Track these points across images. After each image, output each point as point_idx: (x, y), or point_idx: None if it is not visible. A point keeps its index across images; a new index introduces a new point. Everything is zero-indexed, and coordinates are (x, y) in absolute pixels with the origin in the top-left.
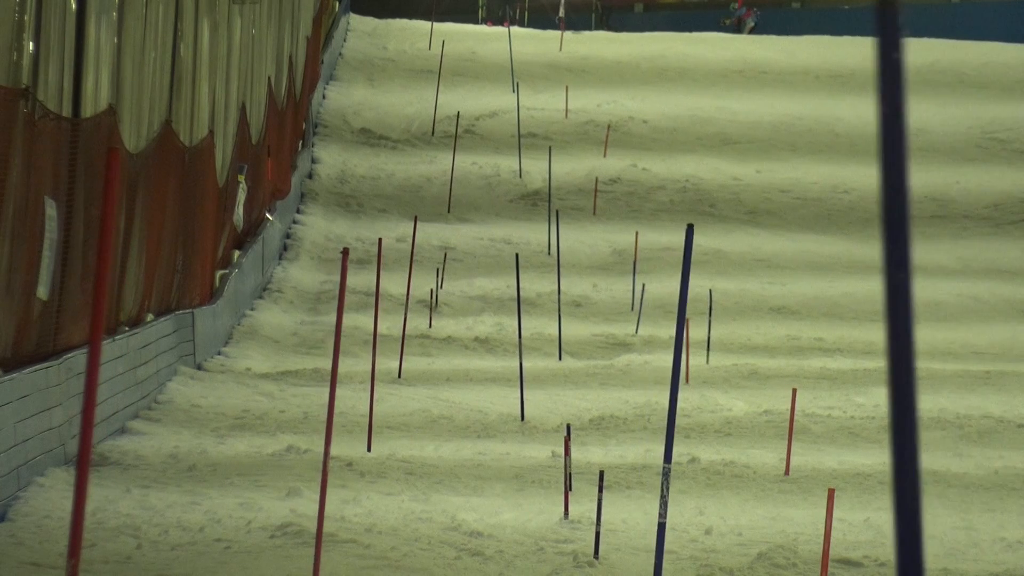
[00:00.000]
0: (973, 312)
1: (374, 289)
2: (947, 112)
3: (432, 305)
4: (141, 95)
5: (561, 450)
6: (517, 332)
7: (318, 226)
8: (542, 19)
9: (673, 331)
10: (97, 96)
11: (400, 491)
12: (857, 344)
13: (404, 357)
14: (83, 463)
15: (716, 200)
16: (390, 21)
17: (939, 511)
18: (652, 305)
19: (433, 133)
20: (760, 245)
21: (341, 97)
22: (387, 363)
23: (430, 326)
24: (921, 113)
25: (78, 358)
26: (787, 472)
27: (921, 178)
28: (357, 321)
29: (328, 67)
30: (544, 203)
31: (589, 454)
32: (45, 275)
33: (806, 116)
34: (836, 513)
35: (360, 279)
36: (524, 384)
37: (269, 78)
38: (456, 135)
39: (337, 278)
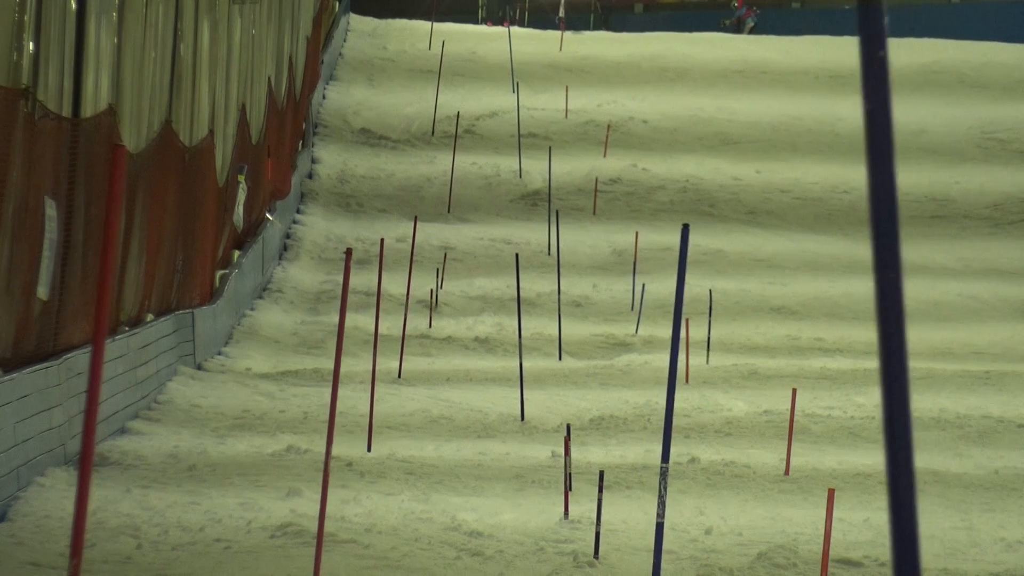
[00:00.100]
0: (973, 312)
1: (374, 289)
2: (947, 112)
3: (432, 305)
4: (141, 95)
5: (561, 450)
6: (517, 332)
7: (318, 226)
8: (542, 19)
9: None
10: (97, 96)
11: (400, 491)
12: (857, 344)
13: (404, 357)
14: (85, 463)
15: (716, 200)
16: (390, 21)
17: (939, 511)
18: (652, 305)
19: (433, 133)
20: (760, 245)
21: (341, 97)
22: (387, 363)
23: (430, 326)
24: (921, 113)
25: (78, 358)
26: (787, 472)
27: (921, 178)
28: (357, 321)
29: (328, 67)
30: (544, 203)
31: (589, 454)
32: (45, 275)
33: (806, 116)
34: (836, 513)
35: (360, 279)
36: (524, 384)
37: (269, 78)
38: (456, 135)
39: (337, 278)
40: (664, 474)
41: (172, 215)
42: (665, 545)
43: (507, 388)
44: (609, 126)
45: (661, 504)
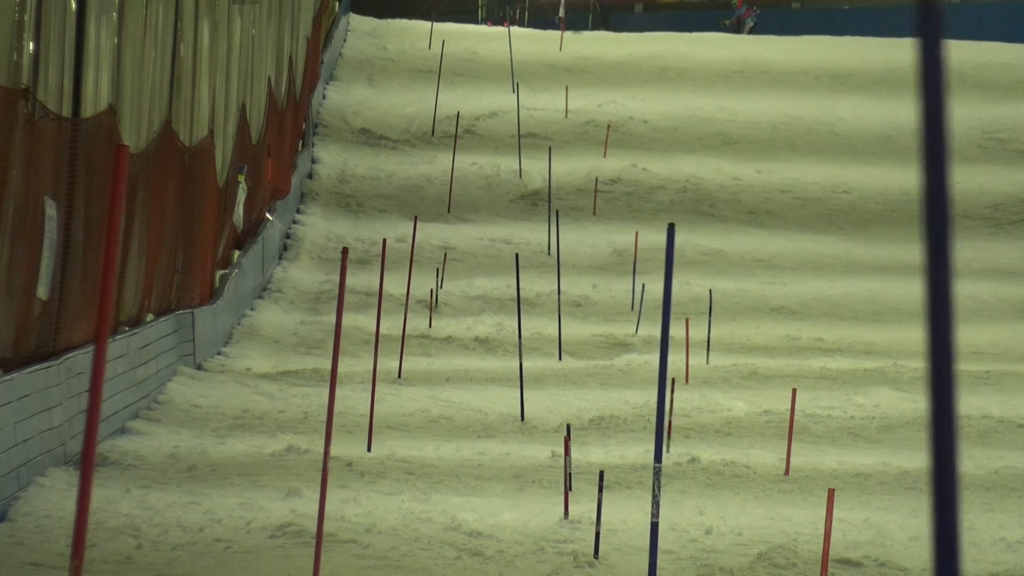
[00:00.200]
0: (973, 312)
1: (374, 289)
2: (948, 112)
3: (432, 305)
4: (141, 95)
5: (561, 450)
6: (517, 332)
7: (318, 226)
8: (542, 19)
9: (673, 331)
10: (97, 96)
11: (400, 491)
12: (857, 344)
13: (404, 357)
14: (87, 465)
15: (716, 200)
16: (390, 21)
17: None
18: (652, 305)
19: (433, 133)
20: (760, 245)
21: (341, 97)
22: (387, 363)
23: (430, 326)
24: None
25: (78, 358)
26: (787, 472)
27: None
28: (357, 321)
29: (328, 67)
30: (544, 203)
31: (589, 454)
32: (45, 275)
33: (806, 116)
34: (836, 513)
35: (360, 279)
36: (524, 384)
37: (269, 78)
38: (456, 135)
39: (337, 278)
40: (657, 474)
41: (172, 215)
42: (665, 545)
43: (507, 388)
44: (609, 126)
45: (655, 504)
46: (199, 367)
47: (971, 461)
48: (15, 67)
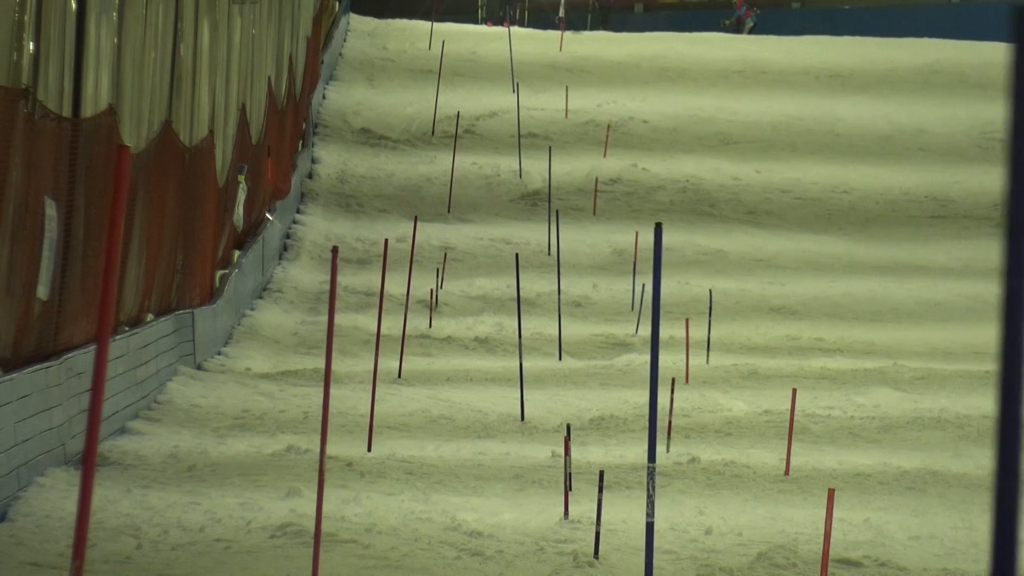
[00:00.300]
0: (973, 312)
1: (374, 289)
2: (947, 112)
3: (432, 305)
4: (141, 95)
5: (561, 450)
6: (517, 332)
7: (318, 226)
8: (542, 19)
9: (673, 331)
10: (97, 96)
11: (400, 491)
12: (857, 344)
13: (404, 357)
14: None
15: (716, 200)
16: (390, 21)
17: (939, 511)
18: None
19: (433, 133)
20: (760, 245)
21: (341, 97)
22: (387, 363)
23: (430, 326)
24: (921, 113)
25: (78, 358)
26: (787, 472)
27: (921, 178)
28: (357, 321)
29: (328, 67)
30: (544, 203)
31: (589, 454)
32: (45, 275)
33: (806, 116)
34: (836, 513)
35: (360, 279)
36: (524, 384)
37: (269, 78)
38: (456, 135)
39: (337, 278)
40: (651, 473)
41: (172, 215)
42: (665, 545)
43: (507, 388)
44: (609, 126)
45: (650, 503)
46: (199, 367)
47: (971, 461)
48: (15, 67)
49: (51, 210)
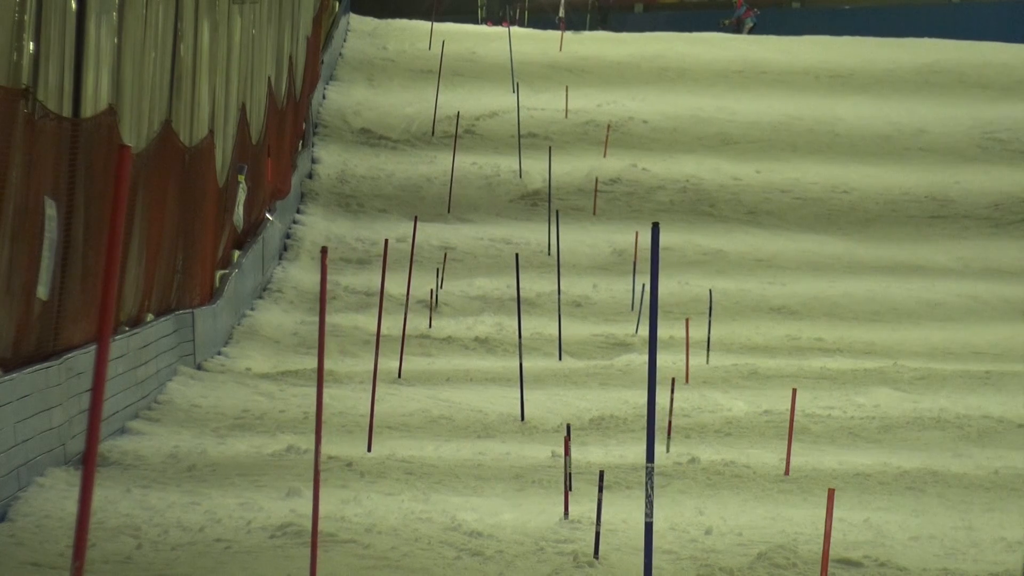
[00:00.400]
0: (973, 312)
1: (374, 289)
2: (947, 112)
3: (432, 305)
4: (141, 95)
5: (561, 450)
6: (517, 332)
7: (318, 226)
8: (542, 19)
9: (673, 331)
10: (97, 96)
11: (400, 491)
12: (857, 344)
13: (404, 357)
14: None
15: (716, 200)
16: (390, 21)
17: (939, 511)
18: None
19: (433, 133)
20: (760, 245)
21: (341, 97)
22: (387, 363)
23: (430, 326)
24: (921, 113)
25: (78, 358)
26: (787, 472)
27: (921, 178)
28: (357, 321)
29: (328, 67)
30: (544, 203)
31: (589, 454)
32: (45, 275)
33: (806, 116)
34: (836, 513)
35: (360, 279)
36: (524, 384)
37: (269, 78)
38: (456, 135)
39: (337, 278)
40: (650, 474)
41: (172, 215)
42: (665, 545)
43: (507, 388)
44: (609, 126)
45: (649, 504)
46: (199, 367)
47: (971, 461)
48: (15, 67)
49: (51, 210)
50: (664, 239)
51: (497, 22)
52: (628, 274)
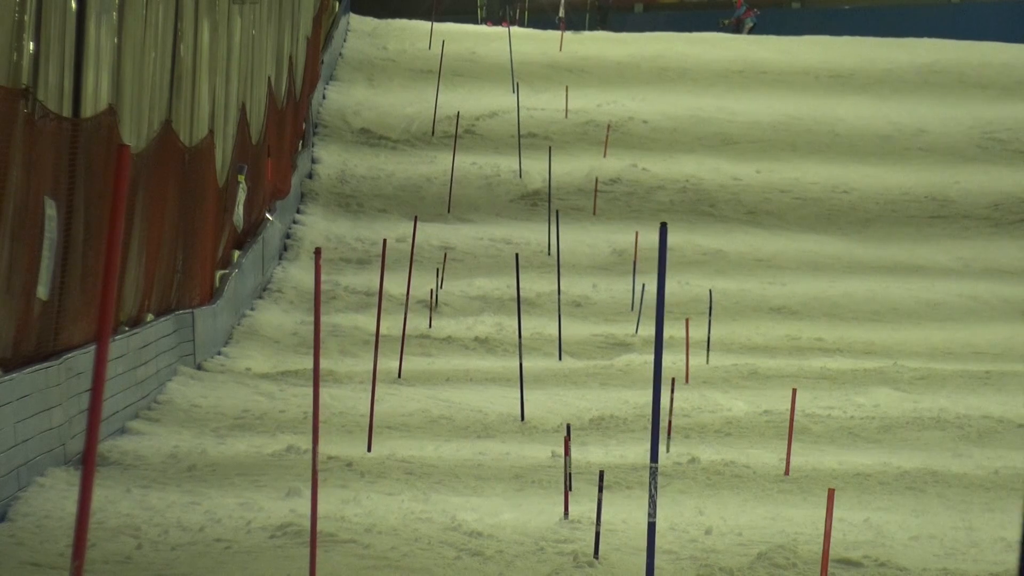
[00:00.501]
0: (973, 312)
1: (374, 289)
2: (947, 112)
3: (432, 305)
4: (141, 95)
5: (561, 450)
6: (517, 332)
7: (318, 226)
8: (542, 19)
9: (673, 331)
10: (97, 96)
11: (400, 491)
12: (857, 344)
13: (404, 357)
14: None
15: (716, 200)
16: (390, 21)
17: (939, 511)
18: (652, 305)
19: (433, 133)
20: (760, 245)
21: (341, 97)
22: (387, 363)
23: (430, 326)
24: (921, 113)
25: (78, 358)
26: (787, 472)
27: (921, 178)
28: (357, 321)
29: (328, 67)
30: (544, 203)
31: (589, 454)
32: (45, 275)
33: (806, 116)
34: (836, 513)
35: (360, 279)
36: (524, 384)
37: (269, 78)
38: (456, 135)
39: (337, 278)
40: (653, 474)
41: (172, 215)
42: (665, 545)
43: (507, 388)
44: (609, 126)
45: (652, 503)
46: (199, 367)
47: (971, 461)
48: (15, 67)
49: (51, 210)
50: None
51: (497, 22)
52: (628, 274)
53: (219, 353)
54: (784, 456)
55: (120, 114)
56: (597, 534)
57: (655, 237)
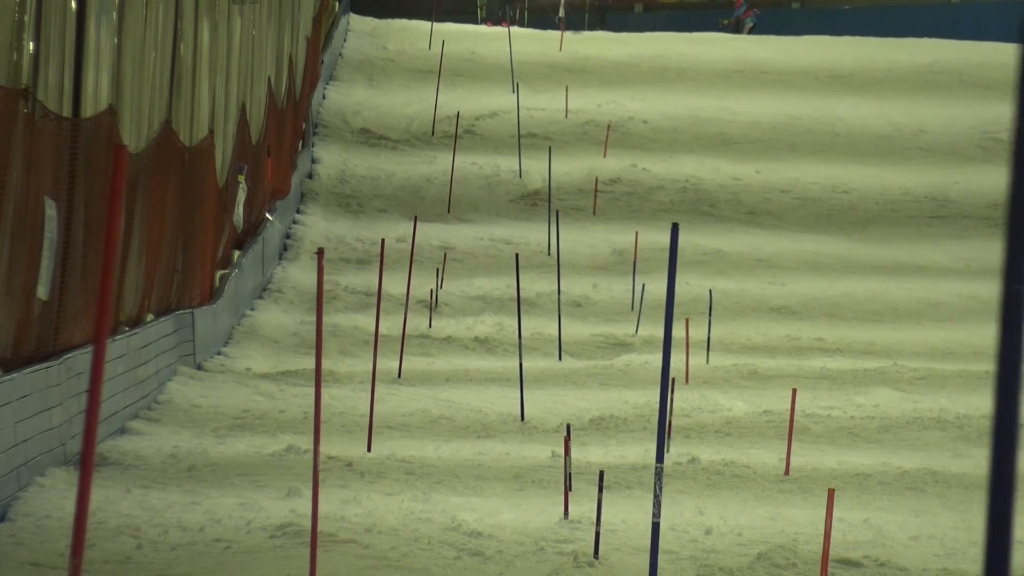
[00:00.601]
0: (973, 312)
1: (374, 289)
2: (947, 112)
3: (432, 305)
4: (141, 95)
5: (561, 450)
6: (517, 332)
7: (318, 226)
8: (542, 19)
9: (673, 331)
10: (97, 96)
11: (400, 491)
12: (857, 344)
13: (404, 357)
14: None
15: (716, 200)
16: (390, 21)
17: (939, 511)
18: (652, 305)
19: (433, 133)
20: (760, 245)
21: (341, 97)
22: (387, 363)
23: (430, 326)
24: (921, 113)
25: (78, 358)
26: (787, 472)
27: (921, 178)
28: (357, 321)
29: (328, 67)
30: (544, 203)
31: (589, 454)
32: (45, 275)
33: (806, 116)
34: (836, 513)
35: (360, 279)
36: (524, 384)
37: (269, 78)
38: (456, 135)
39: (337, 278)
40: (659, 474)
41: (172, 215)
42: (665, 545)
43: (507, 388)
44: (609, 126)
45: (657, 504)
46: (199, 367)
47: (971, 461)
48: (15, 67)
49: (51, 210)
50: (664, 239)
51: (497, 22)
52: (628, 274)
53: (219, 353)
54: (784, 456)
55: (120, 114)
56: (597, 534)
57: (655, 237)
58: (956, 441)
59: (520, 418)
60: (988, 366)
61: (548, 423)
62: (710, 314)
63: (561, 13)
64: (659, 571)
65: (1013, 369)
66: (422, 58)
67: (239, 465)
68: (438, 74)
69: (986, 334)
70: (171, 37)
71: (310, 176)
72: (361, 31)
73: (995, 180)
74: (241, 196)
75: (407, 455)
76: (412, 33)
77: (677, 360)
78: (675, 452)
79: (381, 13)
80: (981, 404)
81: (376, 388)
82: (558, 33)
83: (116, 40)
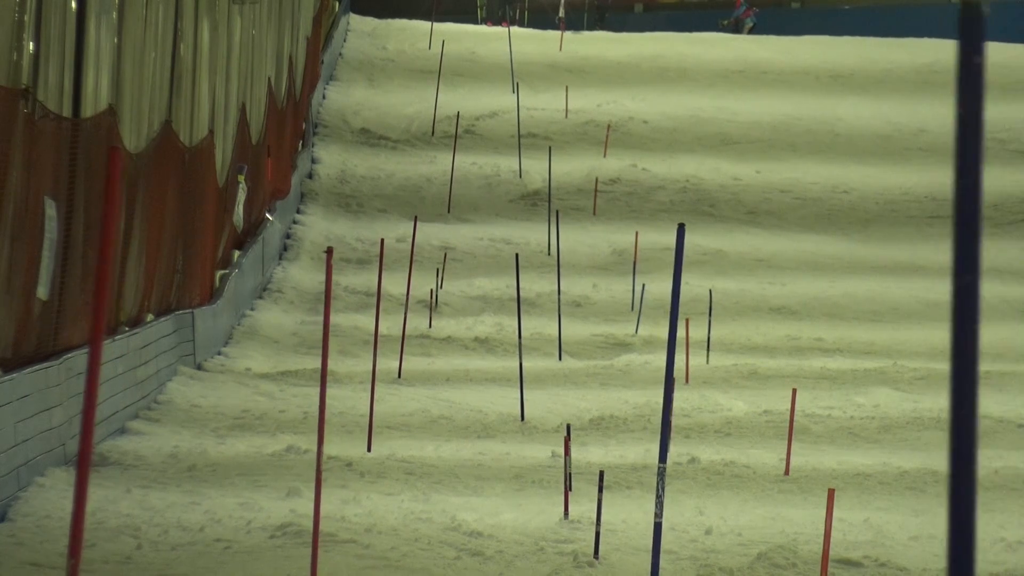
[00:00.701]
0: None
1: (374, 289)
2: (947, 112)
3: (432, 305)
4: (141, 95)
5: (561, 450)
6: (517, 332)
7: (318, 226)
8: (542, 19)
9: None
10: (97, 96)
11: (400, 491)
12: (857, 344)
13: (404, 357)
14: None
15: (716, 200)
16: (390, 21)
17: (939, 511)
18: (652, 305)
19: (433, 133)
20: (760, 245)
21: (341, 97)
22: (387, 363)
23: (430, 326)
24: (921, 113)
25: (78, 358)
26: (787, 472)
27: (921, 178)
28: (357, 321)
29: (328, 67)
30: (544, 203)
31: (589, 454)
32: (45, 275)
33: (806, 116)
34: (836, 513)
35: (360, 279)
36: (524, 384)
37: (269, 78)
38: (456, 135)
39: (337, 278)
40: (661, 474)
41: (172, 215)
42: (665, 545)
43: (507, 388)
44: (609, 126)
45: (659, 504)
46: (199, 367)
47: None
48: (15, 67)
49: (51, 210)
50: (664, 239)
51: (497, 22)
52: (628, 274)
53: (219, 353)
54: (784, 456)
55: (120, 114)
56: (597, 534)
57: (655, 237)
58: None
59: (520, 418)
60: (988, 366)
61: (548, 423)
62: (710, 314)
63: (561, 13)
64: (659, 571)
65: (969, 362)
66: (422, 58)
67: (239, 465)
68: (438, 74)
69: (986, 334)
70: (171, 37)
71: (310, 176)
72: (361, 31)
73: (995, 180)
74: (241, 196)
75: (407, 455)
76: (412, 33)
77: (677, 360)
78: (675, 452)
79: (381, 13)
80: (981, 404)
81: (376, 388)
82: (558, 33)
83: (116, 40)
